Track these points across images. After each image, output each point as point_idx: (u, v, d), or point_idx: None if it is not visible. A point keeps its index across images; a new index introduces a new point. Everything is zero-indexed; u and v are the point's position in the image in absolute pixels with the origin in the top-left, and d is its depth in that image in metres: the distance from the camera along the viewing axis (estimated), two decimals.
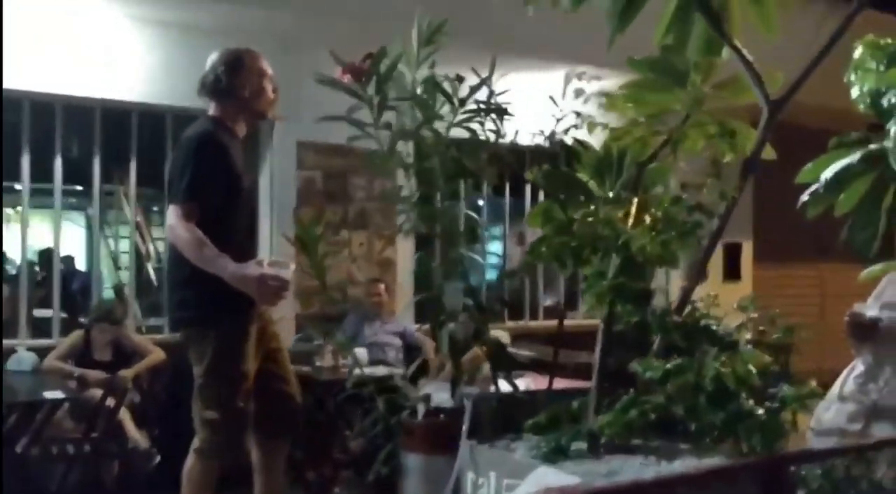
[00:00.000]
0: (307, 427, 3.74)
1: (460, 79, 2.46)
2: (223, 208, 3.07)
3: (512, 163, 2.57)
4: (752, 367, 1.97)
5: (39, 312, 6.37)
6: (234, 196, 3.12)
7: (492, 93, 2.49)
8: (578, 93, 2.42)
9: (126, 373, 4.87)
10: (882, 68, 3.18)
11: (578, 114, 2.45)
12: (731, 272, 7.69)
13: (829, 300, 8.06)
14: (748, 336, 2.22)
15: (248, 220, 3.34)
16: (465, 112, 2.43)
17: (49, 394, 4.34)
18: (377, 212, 6.26)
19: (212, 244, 2.96)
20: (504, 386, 2.47)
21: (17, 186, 5.74)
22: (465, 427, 2.19)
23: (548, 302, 7.24)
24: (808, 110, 5.72)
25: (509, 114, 2.47)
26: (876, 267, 3.09)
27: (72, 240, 9.08)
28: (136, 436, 4.82)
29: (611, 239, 2.17)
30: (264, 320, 3.26)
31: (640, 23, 2.57)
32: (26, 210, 5.73)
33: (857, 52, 3.26)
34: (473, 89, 2.46)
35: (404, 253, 6.13)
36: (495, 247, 7.73)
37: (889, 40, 3.19)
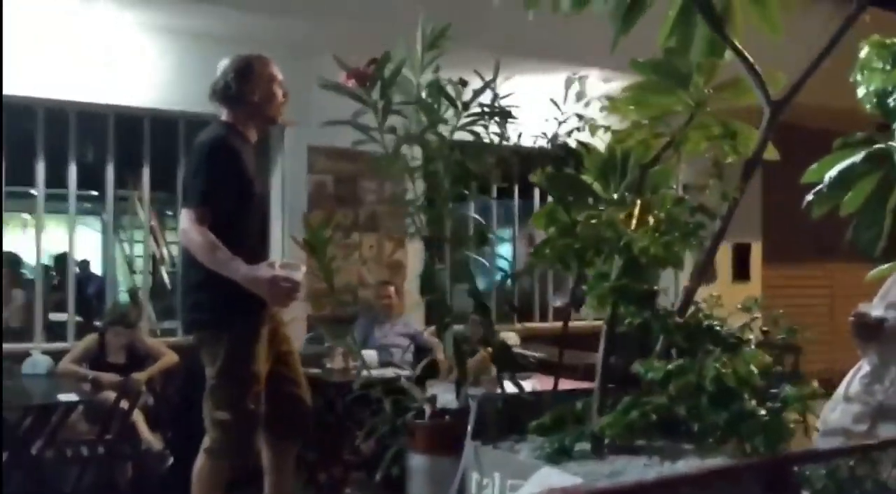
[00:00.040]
0: (318, 428, 3.77)
1: (464, 82, 2.48)
2: (235, 212, 3.12)
3: (517, 166, 2.58)
4: (753, 368, 1.97)
5: (55, 316, 6.44)
6: (246, 200, 3.16)
7: (496, 97, 2.51)
8: (580, 96, 2.44)
9: (139, 376, 4.91)
10: (888, 68, 3.18)
11: (581, 117, 2.47)
12: (741, 272, 7.69)
13: (838, 300, 8.04)
14: (751, 336, 2.22)
15: (259, 224, 3.38)
16: (468, 115, 2.45)
17: (63, 397, 4.40)
18: (387, 215, 6.30)
19: (224, 247, 3.00)
20: (509, 387, 2.49)
21: (33, 192, 5.82)
22: (469, 428, 2.20)
23: (557, 303, 7.25)
24: (817, 111, 5.71)
25: (513, 118, 2.49)
26: (883, 267, 3.09)
27: (87, 244, 9.17)
28: (150, 438, 4.87)
29: (613, 240, 2.19)
30: (276, 322, 3.29)
31: (645, 25, 2.58)
32: (41, 215, 5.80)
33: (863, 52, 3.26)
34: (477, 93, 2.48)
35: (414, 255, 6.15)
36: (505, 249, 7.75)
37: (895, 40, 3.19)
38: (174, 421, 5.10)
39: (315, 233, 2.86)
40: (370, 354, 5.04)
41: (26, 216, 7.87)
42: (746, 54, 2.36)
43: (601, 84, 4.56)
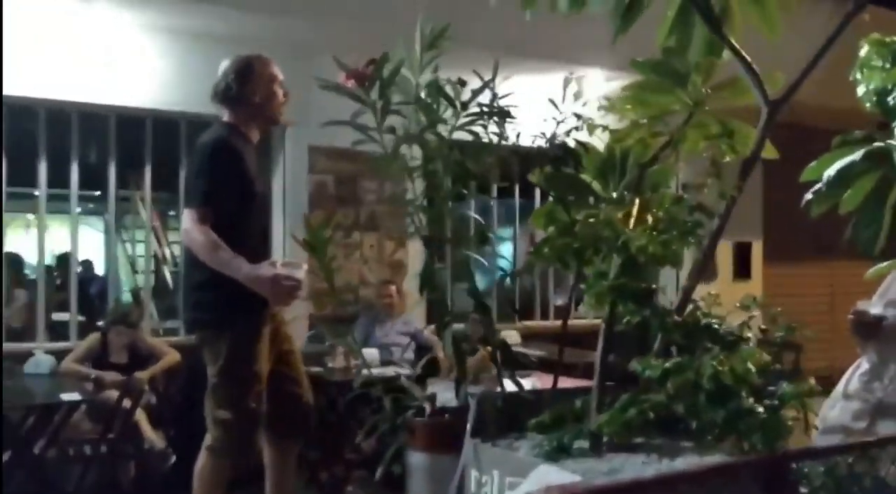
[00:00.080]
0: (319, 427, 3.78)
1: (462, 82, 2.49)
2: (237, 212, 3.13)
3: (516, 166, 2.59)
4: (751, 365, 1.98)
5: (58, 316, 6.46)
6: (247, 200, 3.18)
7: (495, 97, 2.52)
8: (578, 95, 2.45)
9: (142, 375, 4.93)
10: (888, 66, 3.18)
11: (579, 117, 2.48)
12: (742, 271, 7.71)
13: (839, 298, 8.04)
14: (750, 334, 2.23)
15: (261, 224, 3.41)
16: (467, 115, 2.46)
17: (66, 396, 4.42)
18: (387, 214, 6.31)
19: (226, 246, 3.02)
20: (509, 385, 2.50)
21: (35, 192, 5.84)
22: (468, 426, 2.21)
23: (559, 301, 7.27)
24: (819, 110, 5.71)
25: (512, 117, 2.50)
26: (883, 265, 3.09)
27: (90, 244, 9.19)
28: (152, 437, 4.89)
29: (611, 239, 2.20)
30: (277, 321, 3.31)
31: (644, 25, 2.59)
32: (44, 215, 5.82)
33: (863, 51, 3.26)
34: (476, 93, 2.49)
35: (415, 255, 6.17)
36: (506, 248, 7.76)
37: (895, 38, 3.19)
38: (176, 420, 5.12)
39: (315, 232, 2.88)
40: (371, 353, 5.06)
41: (29, 216, 7.89)
42: (744, 54, 2.37)
43: (604, 83, 4.58)
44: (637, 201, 2.30)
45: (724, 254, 7.60)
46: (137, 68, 5.64)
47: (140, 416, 4.87)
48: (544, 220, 2.50)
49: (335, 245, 5.70)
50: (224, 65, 3.28)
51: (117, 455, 4.74)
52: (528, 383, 2.59)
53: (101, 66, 5.54)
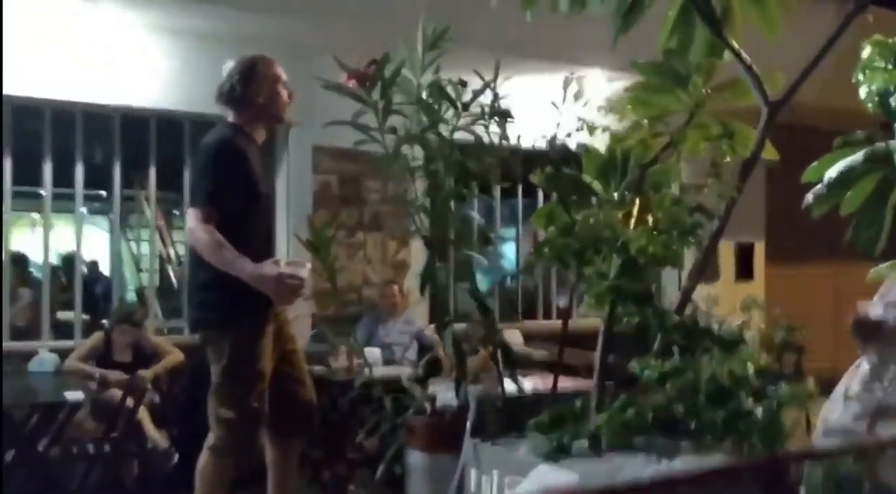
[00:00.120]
0: (322, 427, 3.79)
1: (463, 83, 2.50)
2: (242, 212, 3.14)
3: (518, 166, 2.60)
4: (750, 366, 1.99)
5: (63, 315, 6.48)
6: (252, 200, 3.19)
7: (496, 97, 2.53)
8: (578, 96, 2.45)
9: (145, 374, 4.94)
10: (890, 67, 3.18)
11: (580, 119, 2.48)
12: (744, 272, 7.70)
13: (842, 299, 8.01)
14: (750, 335, 2.23)
15: (265, 224, 3.41)
16: (468, 116, 2.47)
17: (70, 395, 4.43)
18: (391, 214, 6.32)
19: (230, 246, 3.03)
20: (510, 385, 2.51)
21: (41, 192, 5.86)
22: (468, 426, 2.22)
23: (561, 302, 7.26)
24: (821, 112, 5.70)
25: (512, 118, 2.50)
26: (884, 266, 3.08)
27: (95, 244, 9.21)
28: (156, 436, 4.89)
29: (611, 240, 2.20)
30: (280, 321, 3.31)
31: (646, 26, 2.60)
32: (49, 214, 5.84)
33: (865, 52, 3.26)
34: (476, 93, 2.50)
35: (418, 255, 6.18)
36: (509, 248, 7.76)
37: None
38: (180, 419, 5.13)
39: (319, 232, 2.89)
40: (374, 352, 5.06)
41: (35, 215, 7.91)
42: (744, 56, 2.37)
43: (605, 84, 4.58)
44: (637, 202, 2.31)
45: (727, 255, 7.59)
46: (141, 68, 5.66)
47: (143, 415, 4.88)
48: (545, 221, 2.51)
49: (338, 245, 5.70)
50: (228, 66, 3.29)
51: (120, 454, 4.74)
52: (529, 383, 2.60)
53: (105, 67, 5.55)
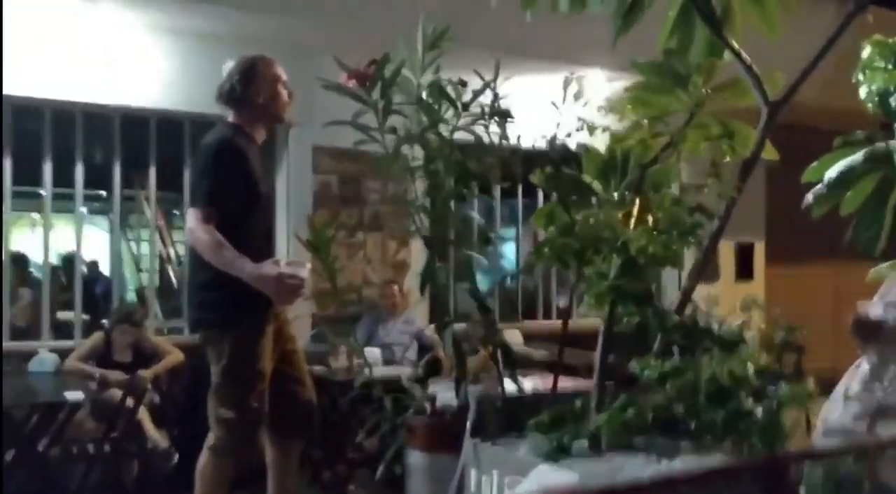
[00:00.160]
0: (322, 427, 3.79)
1: (463, 83, 2.50)
2: (242, 212, 3.15)
3: (518, 166, 2.60)
4: (750, 366, 1.99)
5: (63, 315, 6.48)
6: (252, 200, 3.19)
7: (496, 97, 2.53)
8: (578, 95, 2.46)
9: (145, 374, 4.94)
10: (890, 67, 3.18)
11: (580, 119, 2.48)
12: (744, 272, 7.70)
13: (843, 299, 8.00)
14: (749, 335, 2.23)
15: (265, 223, 3.41)
16: (468, 116, 2.47)
17: (70, 395, 4.42)
18: (391, 214, 6.32)
19: (230, 245, 3.03)
20: (510, 385, 2.51)
21: (41, 191, 5.86)
22: (468, 426, 2.22)
23: (562, 302, 7.26)
24: (822, 112, 5.70)
25: (512, 118, 2.50)
26: (883, 266, 3.08)
27: (95, 244, 9.21)
28: (156, 436, 4.89)
29: (611, 240, 2.20)
30: (281, 321, 3.32)
31: (647, 25, 2.60)
32: (49, 214, 5.84)
33: (865, 52, 3.25)
34: (476, 93, 2.50)
35: (418, 255, 6.18)
36: (509, 248, 7.76)
37: None
38: (180, 419, 5.13)
39: (318, 232, 2.89)
40: (374, 353, 5.06)
41: (35, 215, 7.91)
42: (744, 56, 2.37)
43: (606, 84, 4.58)
44: (637, 202, 2.30)
45: (727, 255, 7.59)
46: (141, 68, 5.66)
47: (143, 415, 4.88)
48: (545, 221, 2.51)
49: (338, 245, 5.71)
50: (228, 66, 3.29)
51: (120, 454, 4.74)
52: (529, 383, 2.60)
53: (105, 67, 5.55)
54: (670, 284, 5.12)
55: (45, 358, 5.15)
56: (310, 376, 3.47)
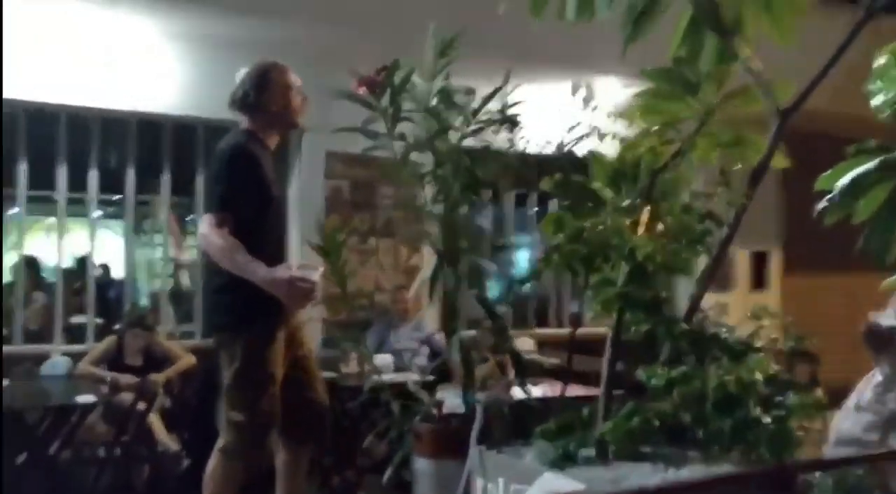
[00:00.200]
0: (333, 432, 3.79)
1: (471, 90, 2.50)
2: (255, 217, 3.16)
3: (526, 173, 2.60)
4: (758, 375, 1.97)
5: (77, 319, 6.51)
6: (265, 205, 3.21)
7: (505, 104, 2.53)
8: (586, 102, 2.45)
9: (156, 378, 4.96)
10: None
11: (591, 126, 2.48)
12: (759, 281, 7.64)
13: (860, 309, 7.93)
14: (760, 344, 2.21)
15: (278, 229, 3.43)
16: (477, 122, 2.47)
17: (82, 398, 4.45)
18: (403, 220, 6.33)
19: (243, 250, 3.05)
20: (518, 392, 2.50)
21: (56, 196, 5.90)
22: (474, 433, 2.22)
23: (574, 309, 7.24)
24: (839, 119, 5.67)
25: (520, 125, 2.51)
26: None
27: (109, 248, 9.26)
28: (166, 440, 4.91)
29: (619, 247, 2.20)
30: (293, 326, 3.32)
31: (661, 32, 2.58)
32: (64, 219, 5.89)
33: (880, 60, 3.23)
34: (485, 100, 2.50)
35: (430, 261, 6.17)
36: (522, 255, 7.74)
37: None
38: (191, 423, 5.15)
39: (329, 237, 2.90)
40: (385, 359, 5.06)
41: (49, 220, 7.97)
42: (752, 64, 2.36)
43: (620, 90, 4.55)
44: (647, 209, 2.29)
45: (742, 264, 7.54)
46: (156, 74, 5.70)
47: (154, 419, 4.90)
48: (553, 227, 2.50)
49: (350, 250, 5.71)
50: (241, 73, 3.31)
51: (131, 458, 4.77)
52: (539, 390, 2.60)
53: (120, 72, 5.60)
54: (686, 293, 5.08)
55: (57, 361, 5.18)
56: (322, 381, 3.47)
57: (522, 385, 2.49)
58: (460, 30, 2.57)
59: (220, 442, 3.17)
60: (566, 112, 2.56)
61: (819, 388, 2.05)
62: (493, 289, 3.30)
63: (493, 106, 2.54)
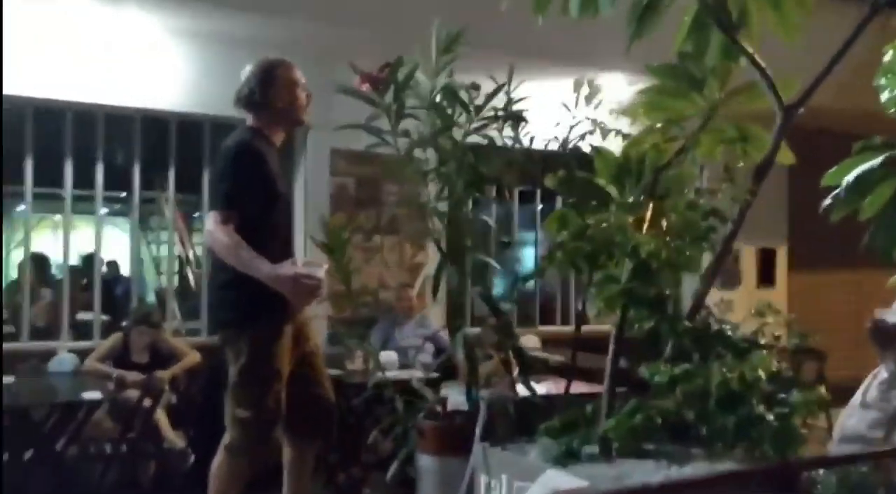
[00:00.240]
0: (338, 429, 3.80)
1: (476, 86, 2.50)
2: (260, 214, 3.17)
3: (530, 170, 2.60)
4: (761, 372, 1.97)
5: (84, 315, 6.53)
6: (270, 202, 3.21)
7: (510, 101, 2.52)
8: (589, 98, 2.45)
9: (162, 375, 4.97)
10: None
11: (594, 122, 2.47)
12: (766, 278, 7.61)
13: (866, 306, 7.91)
14: (765, 341, 2.21)
15: (284, 225, 3.43)
16: (480, 119, 2.47)
17: (88, 395, 4.46)
18: (407, 218, 6.33)
19: (248, 246, 3.06)
20: (522, 389, 2.50)
21: (62, 193, 5.92)
22: (478, 430, 2.22)
23: (579, 306, 7.23)
24: (847, 115, 5.65)
25: (525, 121, 2.50)
26: None
27: (116, 245, 9.29)
28: (172, 437, 4.92)
29: (623, 244, 2.19)
30: (300, 323, 3.33)
31: (667, 29, 2.58)
32: (70, 216, 5.90)
33: (888, 56, 3.21)
34: (489, 97, 2.50)
35: (435, 258, 6.18)
36: (528, 252, 7.74)
37: None
38: (197, 420, 5.16)
39: (334, 234, 2.90)
40: (390, 356, 5.06)
41: (56, 217, 7.99)
42: (758, 60, 2.35)
43: (626, 87, 4.54)
44: (651, 206, 2.29)
45: (748, 261, 7.52)
46: (162, 71, 5.71)
47: (160, 416, 4.91)
48: (557, 224, 2.50)
49: (355, 247, 5.72)
50: (246, 70, 3.31)
51: (137, 454, 4.77)
52: (544, 388, 2.59)
53: (126, 69, 5.61)
54: (692, 290, 5.08)
55: (64, 358, 5.20)
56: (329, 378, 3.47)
57: (526, 382, 2.48)
58: (464, 26, 2.57)
59: (225, 439, 3.18)
60: (566, 107, 2.56)
61: (824, 385, 2.04)
62: (497, 287, 3.30)
63: (497, 102, 2.53)
